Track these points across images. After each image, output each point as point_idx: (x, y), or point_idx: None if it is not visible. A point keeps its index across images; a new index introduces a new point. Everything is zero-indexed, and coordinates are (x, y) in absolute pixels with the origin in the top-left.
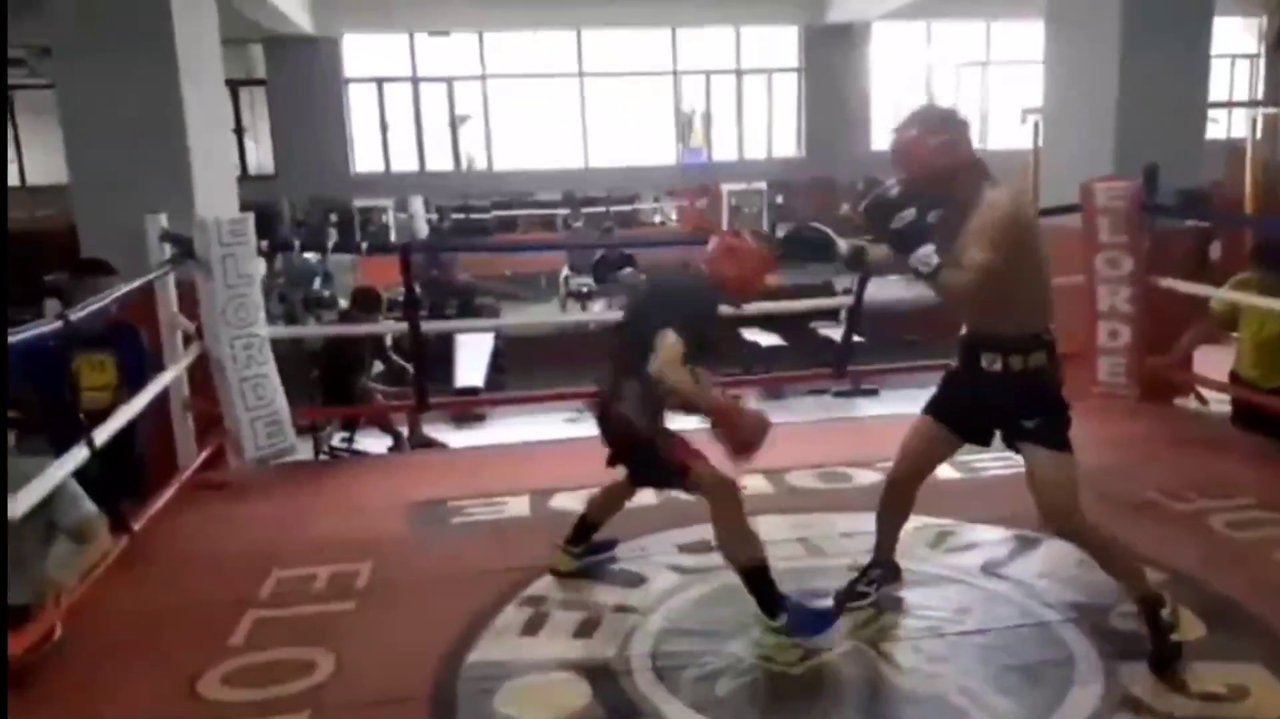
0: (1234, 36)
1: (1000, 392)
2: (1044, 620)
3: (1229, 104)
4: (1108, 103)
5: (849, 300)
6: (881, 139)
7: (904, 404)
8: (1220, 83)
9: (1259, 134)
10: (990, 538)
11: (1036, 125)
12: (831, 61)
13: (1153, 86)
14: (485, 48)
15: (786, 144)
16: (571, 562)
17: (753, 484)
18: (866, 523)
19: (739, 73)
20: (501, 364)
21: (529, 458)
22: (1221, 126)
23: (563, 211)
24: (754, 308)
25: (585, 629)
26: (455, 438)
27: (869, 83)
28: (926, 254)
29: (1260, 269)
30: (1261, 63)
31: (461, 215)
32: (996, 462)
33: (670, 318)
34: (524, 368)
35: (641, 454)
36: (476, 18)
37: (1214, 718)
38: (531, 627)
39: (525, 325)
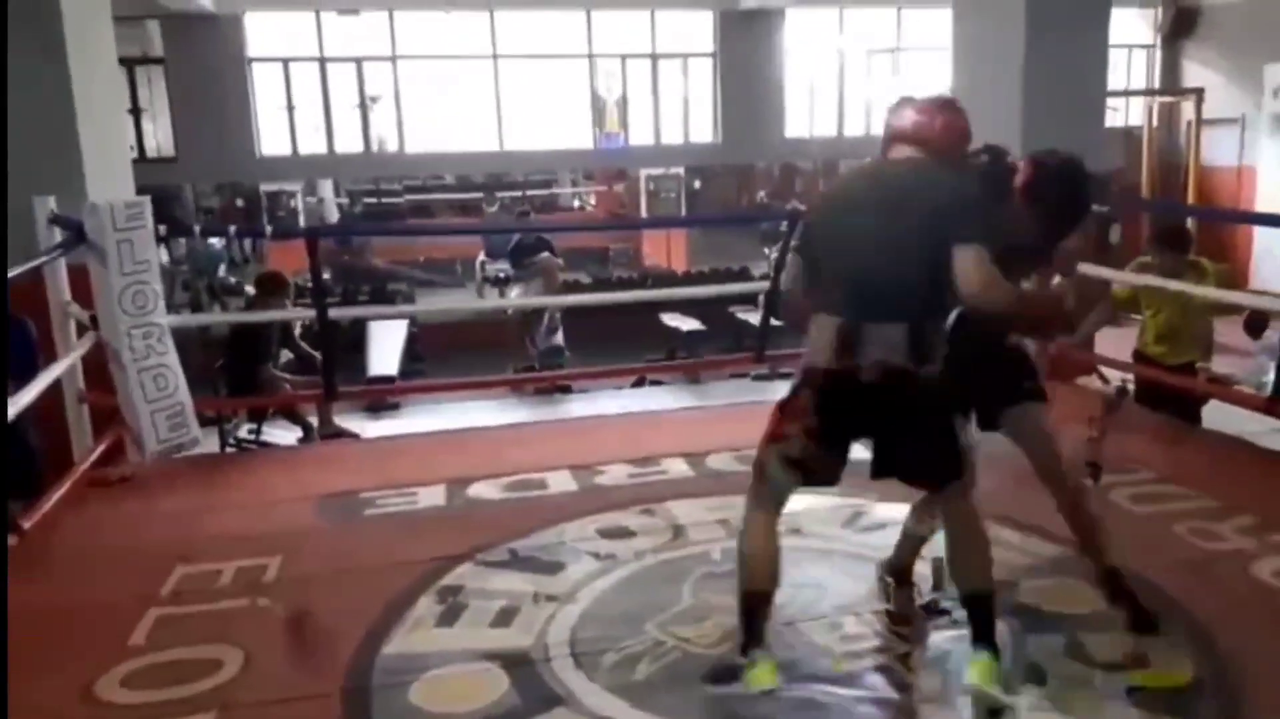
0: (1130, 27)
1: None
2: (954, 596)
3: (1127, 93)
4: (1013, 90)
5: (766, 285)
6: (796, 125)
7: None
8: (1118, 72)
9: (1155, 122)
10: (902, 516)
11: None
12: (746, 47)
13: (1055, 75)
14: (396, 27)
15: (703, 129)
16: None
17: (673, 467)
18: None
19: (654, 57)
20: (417, 352)
21: (444, 447)
22: (1120, 115)
23: (477, 195)
24: (674, 292)
25: (503, 619)
26: (369, 428)
27: (783, 69)
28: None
29: (1159, 252)
30: (1157, 53)
31: (373, 199)
32: None
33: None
34: (440, 355)
35: (942, 432)
36: None
37: (1115, 687)
38: (448, 618)
39: (442, 312)
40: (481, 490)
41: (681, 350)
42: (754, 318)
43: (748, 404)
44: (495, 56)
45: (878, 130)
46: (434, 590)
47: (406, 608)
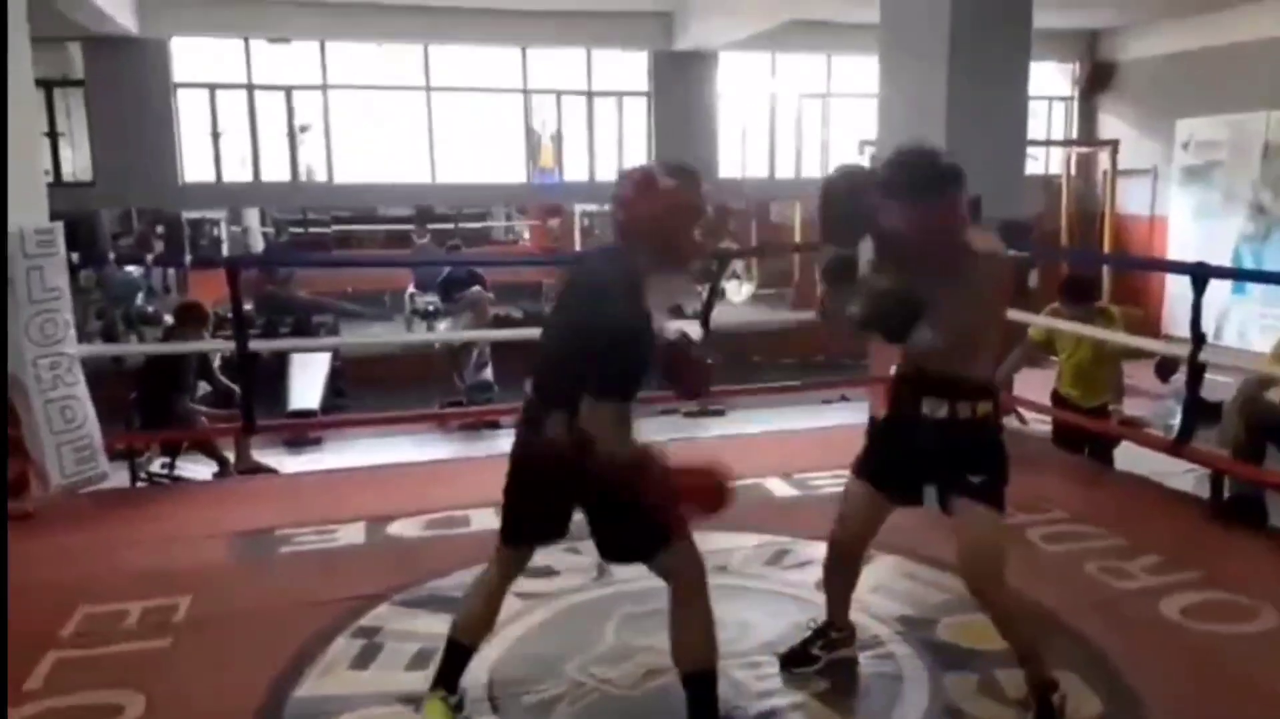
0: (1051, 79)
1: (942, 441)
2: (874, 634)
3: (1047, 143)
4: (935, 138)
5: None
6: (729, 166)
7: (747, 424)
8: (1039, 122)
9: (1073, 171)
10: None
11: (873, 157)
12: (680, 87)
13: (977, 124)
14: (328, 57)
15: None
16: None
17: None
18: (708, 542)
19: (589, 94)
20: (340, 385)
21: (365, 483)
22: (1041, 164)
23: (407, 227)
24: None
25: (420, 661)
26: (288, 463)
27: (716, 110)
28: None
29: (1065, 302)
30: (1075, 105)
31: (300, 229)
32: (832, 479)
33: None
34: (367, 389)
35: (613, 505)
36: (319, 26)
37: None
38: (363, 660)
39: (368, 345)
40: (402, 528)
41: None
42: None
43: (678, 441)
44: (429, 89)
45: (808, 173)
46: (349, 631)
47: (320, 650)
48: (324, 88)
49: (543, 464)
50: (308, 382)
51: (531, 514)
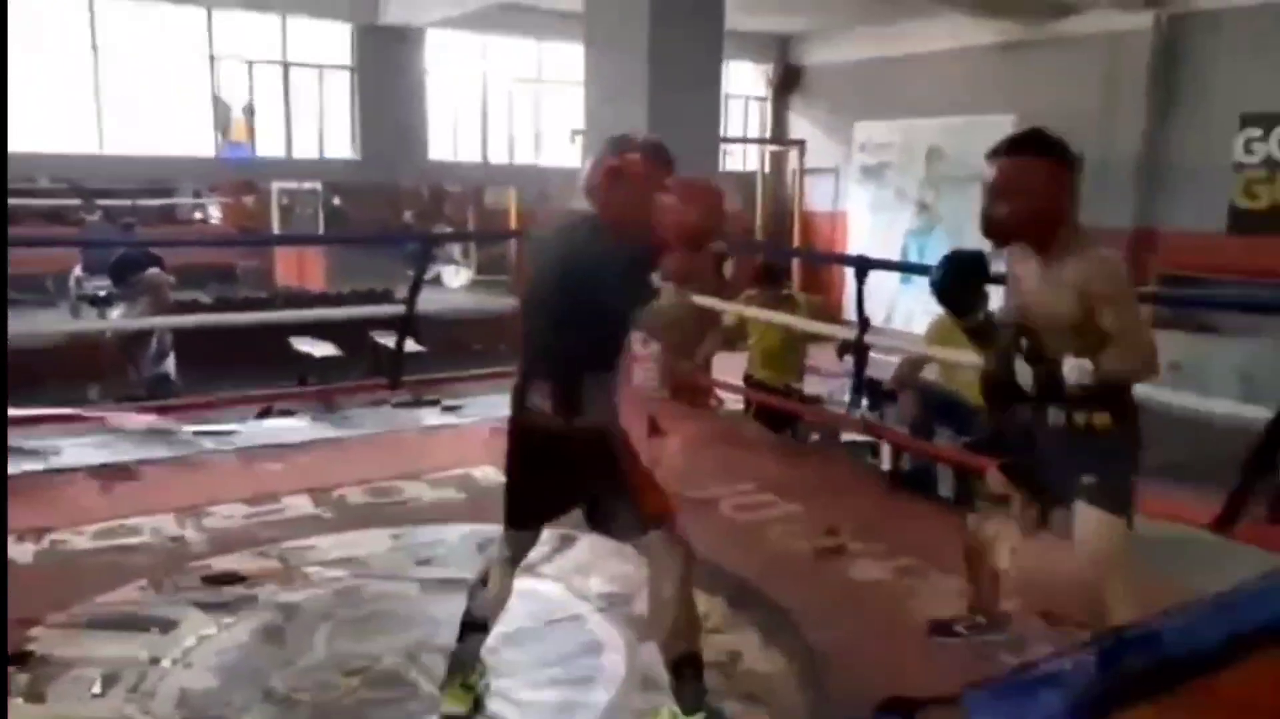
0: (749, 80)
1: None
2: (577, 613)
3: (743, 140)
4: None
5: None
6: (440, 148)
7: (464, 413)
8: (738, 121)
9: (767, 168)
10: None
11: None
12: (386, 64)
13: (675, 118)
14: None
15: (340, 145)
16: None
17: (296, 505)
18: (415, 536)
19: (285, 65)
20: None
21: (16, 493)
22: (740, 160)
23: (74, 202)
24: (305, 314)
25: (101, 687)
26: None
27: (425, 90)
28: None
29: (761, 287)
30: (770, 105)
31: None
32: None
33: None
34: (24, 387)
35: (611, 481)
36: None
37: (711, 685)
38: (31, 694)
39: (25, 335)
40: (66, 541)
41: (313, 377)
42: (393, 342)
43: (385, 434)
44: (95, 49)
45: (522, 159)
46: (11, 661)
47: None
48: None
49: (544, 439)
50: None
51: (536, 493)
